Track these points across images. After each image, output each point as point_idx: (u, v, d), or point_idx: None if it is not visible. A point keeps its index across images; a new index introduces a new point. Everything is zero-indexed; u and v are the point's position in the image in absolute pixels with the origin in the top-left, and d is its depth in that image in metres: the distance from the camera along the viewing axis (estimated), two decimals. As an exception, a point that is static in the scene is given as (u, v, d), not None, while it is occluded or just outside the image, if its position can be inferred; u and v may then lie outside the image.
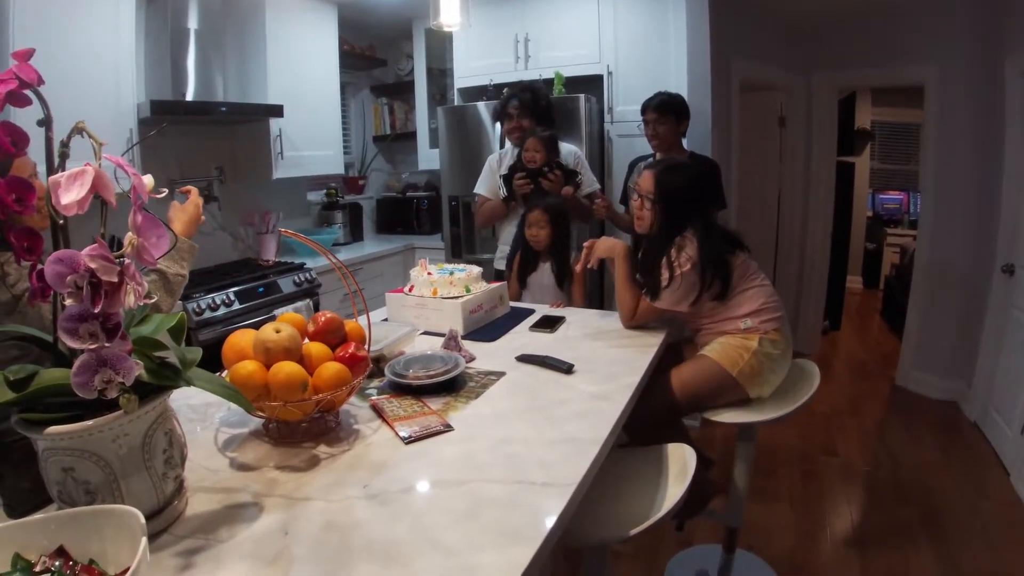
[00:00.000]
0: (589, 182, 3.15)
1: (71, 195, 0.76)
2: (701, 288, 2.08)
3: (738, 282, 2.13)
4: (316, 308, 3.42)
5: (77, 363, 0.81)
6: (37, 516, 0.94)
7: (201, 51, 3.42)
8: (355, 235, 4.76)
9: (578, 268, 2.41)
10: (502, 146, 3.57)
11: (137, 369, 0.85)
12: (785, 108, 5.00)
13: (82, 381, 0.81)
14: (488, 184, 3.24)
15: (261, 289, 3.27)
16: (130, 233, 0.86)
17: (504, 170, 3.08)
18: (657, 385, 2.05)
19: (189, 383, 0.95)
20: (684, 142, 3.27)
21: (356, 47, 4.90)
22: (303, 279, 3.53)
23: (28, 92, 0.94)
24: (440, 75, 4.84)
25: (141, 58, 3.16)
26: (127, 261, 0.83)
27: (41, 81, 0.96)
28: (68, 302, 0.80)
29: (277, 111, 3.73)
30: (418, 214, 4.91)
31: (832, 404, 4.13)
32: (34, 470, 0.95)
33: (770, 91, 4.96)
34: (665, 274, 2.08)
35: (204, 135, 3.79)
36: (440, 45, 4.66)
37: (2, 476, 1.03)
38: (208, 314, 3.00)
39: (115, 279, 0.79)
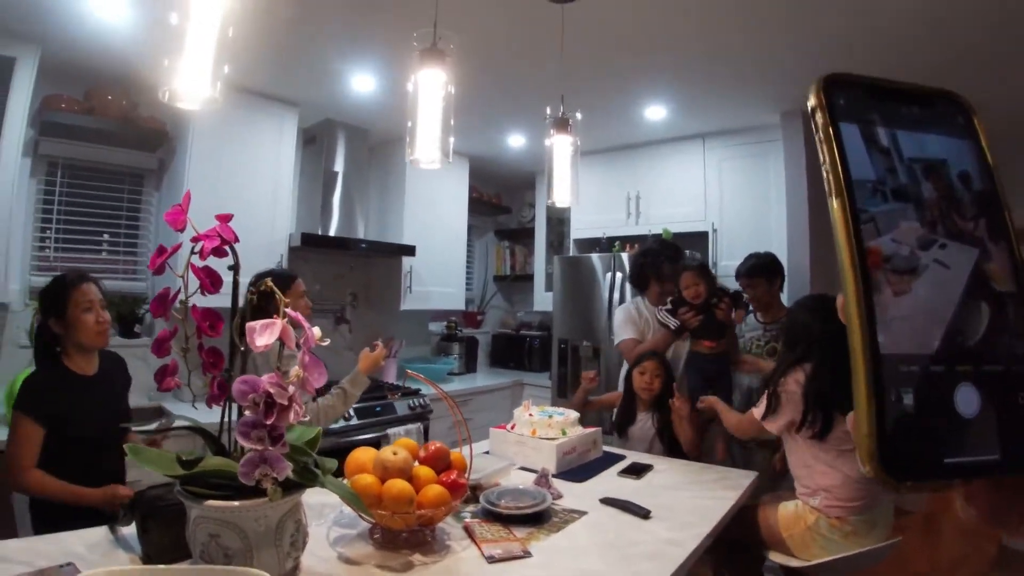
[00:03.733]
0: None
1: (264, 339, 1.07)
2: (803, 416, 2.18)
3: (832, 446, 2.18)
4: (426, 432, 3.70)
5: (245, 458, 1.09)
6: (184, 564, 1.20)
7: (347, 192, 4.01)
8: (469, 366, 5.08)
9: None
10: (621, 300, 3.83)
11: (288, 469, 1.11)
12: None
13: (246, 471, 1.08)
14: (633, 328, 3.18)
15: (378, 408, 3.58)
16: (297, 368, 1.16)
17: (667, 306, 3.00)
18: (745, 512, 2.21)
19: (323, 485, 1.21)
20: (783, 297, 3.38)
21: (484, 195, 5.45)
22: (417, 404, 3.83)
23: (226, 248, 1.29)
24: (558, 224, 5.25)
25: (296, 194, 3.74)
26: (293, 389, 1.12)
27: (237, 239, 1.32)
28: (247, 413, 1.09)
29: (410, 251, 4.23)
30: (529, 352, 5.20)
31: None
32: (174, 530, 1.25)
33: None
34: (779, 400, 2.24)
35: (343, 264, 4.33)
36: (560, 197, 5.10)
37: (149, 531, 1.33)
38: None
39: (285, 402, 1.08)
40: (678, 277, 3.05)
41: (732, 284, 3.73)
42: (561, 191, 2.37)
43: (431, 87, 1.70)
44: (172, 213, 1.31)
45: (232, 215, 1.34)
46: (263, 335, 1.08)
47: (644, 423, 2.80)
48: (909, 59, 2.88)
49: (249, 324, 1.11)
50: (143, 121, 3.31)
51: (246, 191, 3.43)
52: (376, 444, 3.15)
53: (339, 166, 4.01)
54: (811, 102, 0.42)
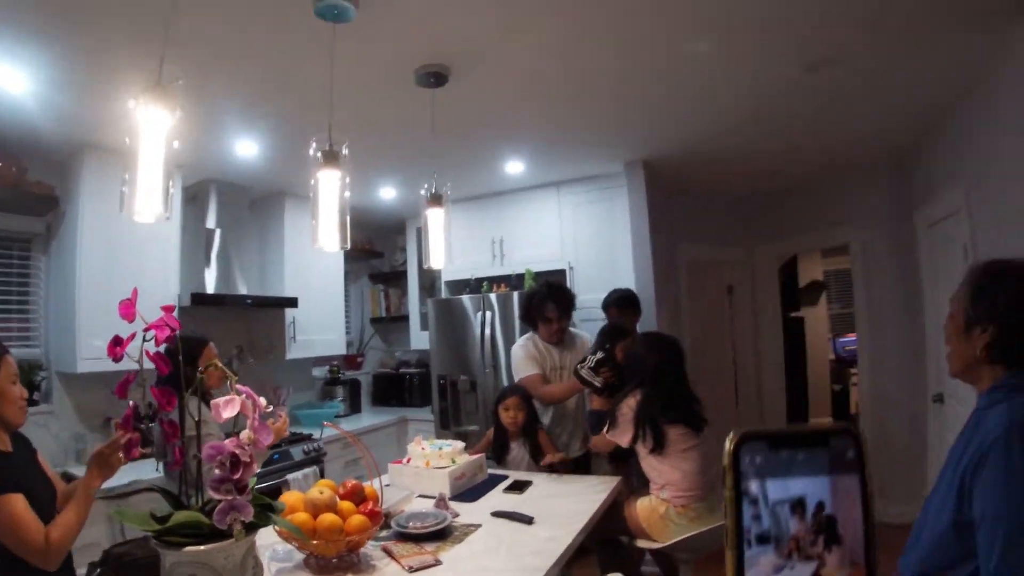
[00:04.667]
0: None
1: (228, 412, 1.36)
2: (635, 433, 2.74)
3: (671, 450, 2.70)
4: (322, 473, 3.93)
5: (218, 508, 1.37)
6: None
7: (230, 248, 4.21)
8: (354, 407, 5.31)
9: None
10: (492, 337, 4.26)
11: (251, 513, 1.40)
12: (732, 278, 5.76)
13: (220, 518, 1.36)
14: (535, 364, 3.47)
15: (276, 456, 3.77)
16: (249, 431, 1.45)
17: (589, 363, 3.16)
18: (613, 511, 2.70)
19: (276, 524, 1.50)
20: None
21: (358, 242, 5.73)
22: (311, 448, 4.04)
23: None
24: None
25: (180, 253, 3.84)
26: (249, 449, 1.41)
27: (180, 326, 1.59)
28: (216, 471, 1.37)
29: (292, 302, 4.46)
30: (410, 388, 5.50)
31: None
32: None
33: (718, 265, 5.74)
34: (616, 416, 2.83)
35: (228, 319, 4.48)
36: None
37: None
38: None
39: (247, 459, 1.37)
40: (565, 317, 3.49)
41: (590, 316, 4.27)
42: (436, 256, 2.76)
43: (330, 183, 2.04)
44: (124, 307, 1.56)
45: (135, 293, 1.60)
46: (227, 409, 1.37)
47: (517, 451, 3.21)
48: (719, 117, 3.54)
49: (214, 401, 1.39)
50: (32, 186, 3.34)
51: (136, 253, 3.53)
52: (277, 490, 3.38)
53: (220, 223, 4.18)
54: (724, 460, 0.56)
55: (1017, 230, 2.81)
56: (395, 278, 5.96)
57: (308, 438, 4.14)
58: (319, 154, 2.04)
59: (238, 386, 1.46)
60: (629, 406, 2.79)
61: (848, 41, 2.66)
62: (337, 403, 5.10)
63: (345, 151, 2.10)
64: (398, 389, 5.59)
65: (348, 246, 2.09)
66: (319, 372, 5.32)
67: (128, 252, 3.49)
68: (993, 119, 3.00)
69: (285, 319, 4.54)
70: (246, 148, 3.63)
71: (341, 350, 5.13)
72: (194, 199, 4.17)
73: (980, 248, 3.24)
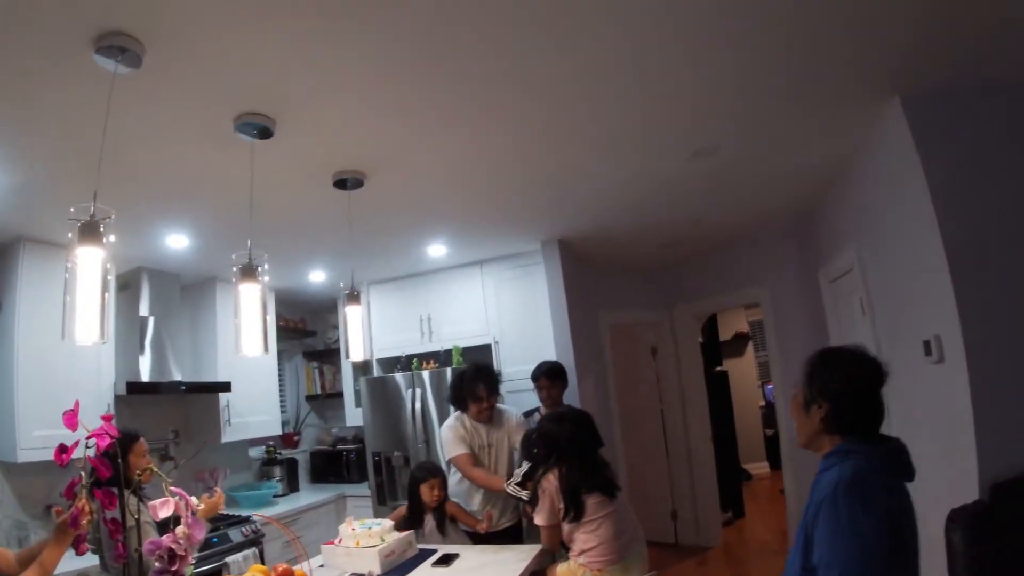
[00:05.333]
0: None
1: (164, 512, 1.54)
2: (564, 508, 2.88)
3: (588, 518, 2.88)
4: (261, 555, 4.00)
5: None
6: None
7: (163, 334, 4.29)
8: (292, 486, 5.35)
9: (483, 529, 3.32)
10: (424, 414, 4.49)
11: (188, 602, 1.57)
12: (655, 339, 6.12)
13: (160, 605, 1.53)
14: (464, 444, 3.66)
15: (215, 540, 3.82)
16: (183, 527, 1.63)
17: (516, 479, 3.28)
18: None
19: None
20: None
21: (290, 321, 5.87)
22: (250, 530, 4.10)
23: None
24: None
25: (115, 341, 3.93)
26: (184, 543, 1.59)
27: (120, 434, 1.78)
28: (156, 564, 1.54)
29: (226, 387, 4.55)
30: (348, 465, 5.58)
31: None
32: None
33: (640, 327, 6.10)
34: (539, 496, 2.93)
35: (163, 405, 4.55)
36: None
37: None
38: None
39: (183, 553, 1.55)
40: (493, 395, 3.70)
41: (516, 387, 4.51)
42: (356, 350, 3.00)
43: (250, 295, 2.25)
44: (67, 418, 1.75)
45: (78, 405, 1.78)
46: (163, 509, 1.55)
47: (429, 523, 3.45)
48: (620, 202, 3.96)
49: (151, 503, 1.58)
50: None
51: (71, 343, 3.58)
52: (218, 572, 3.46)
53: (153, 310, 4.27)
54: None
55: (901, 285, 3.20)
56: (328, 355, 6.09)
57: (247, 520, 4.21)
58: (238, 268, 2.26)
59: (172, 488, 1.65)
60: (550, 482, 2.95)
61: (726, 131, 3.04)
62: (275, 483, 5.15)
63: (265, 265, 2.32)
64: (336, 466, 5.66)
65: (269, 352, 2.30)
66: (256, 452, 5.37)
67: (63, 342, 3.54)
68: (873, 186, 3.39)
69: (220, 403, 4.63)
70: (177, 241, 3.80)
71: (276, 431, 5.22)
72: (126, 287, 4.27)
73: (874, 300, 3.66)
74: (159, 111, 2.27)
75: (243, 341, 2.23)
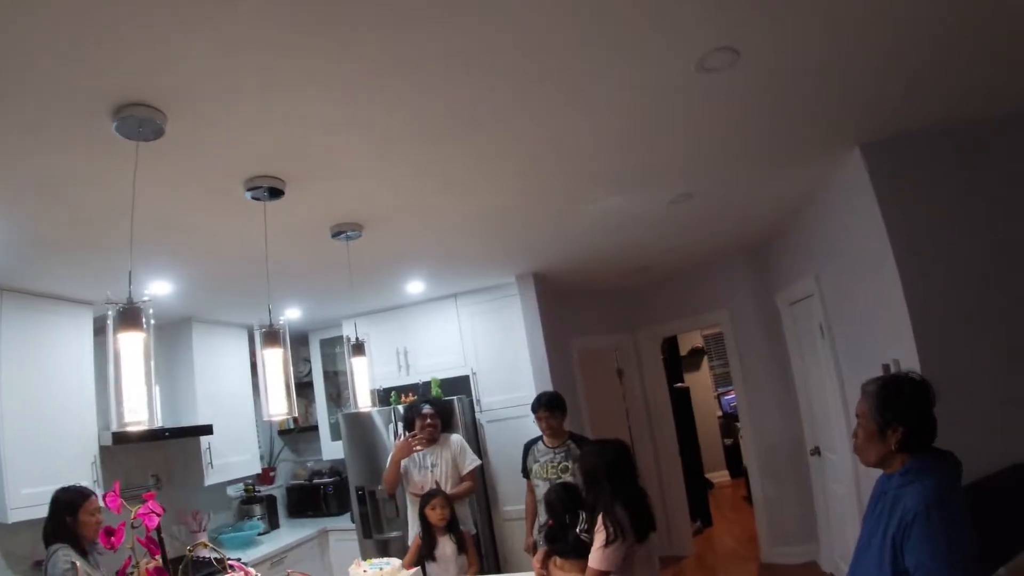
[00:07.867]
0: (470, 461, 4.06)
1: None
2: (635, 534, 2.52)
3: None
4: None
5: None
6: None
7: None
8: (272, 523, 5.33)
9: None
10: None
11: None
12: (621, 361, 6.35)
13: None
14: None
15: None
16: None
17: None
18: None
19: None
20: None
21: (261, 357, 5.85)
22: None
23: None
24: (335, 376, 5.84)
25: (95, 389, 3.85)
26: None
27: (163, 511, 1.85)
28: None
29: (208, 430, 4.52)
30: (326, 498, 5.58)
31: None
32: None
33: (607, 351, 6.32)
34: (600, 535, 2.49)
35: (144, 450, 4.50)
36: (333, 352, 5.73)
37: None
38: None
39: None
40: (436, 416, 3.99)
41: (495, 416, 4.64)
42: (363, 399, 3.08)
43: (273, 359, 2.33)
44: (111, 499, 1.81)
45: (118, 485, 1.85)
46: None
47: (445, 546, 3.49)
48: (593, 242, 4.17)
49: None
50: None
51: (54, 395, 3.56)
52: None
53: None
54: None
55: (860, 311, 3.48)
56: (302, 389, 6.06)
57: (237, 562, 4.20)
58: (260, 334, 2.33)
59: (231, 561, 1.73)
60: (620, 511, 2.52)
61: (699, 182, 3.32)
62: (256, 521, 5.13)
63: (285, 327, 2.40)
64: (314, 499, 5.65)
65: (295, 413, 2.38)
66: (233, 491, 5.33)
67: (47, 396, 3.52)
68: (834, 220, 3.68)
69: (201, 446, 4.60)
70: (160, 288, 3.79)
71: (256, 469, 5.19)
72: (102, 331, 4.20)
73: (832, 325, 3.95)
74: (170, 175, 2.35)
75: (270, 405, 2.30)
